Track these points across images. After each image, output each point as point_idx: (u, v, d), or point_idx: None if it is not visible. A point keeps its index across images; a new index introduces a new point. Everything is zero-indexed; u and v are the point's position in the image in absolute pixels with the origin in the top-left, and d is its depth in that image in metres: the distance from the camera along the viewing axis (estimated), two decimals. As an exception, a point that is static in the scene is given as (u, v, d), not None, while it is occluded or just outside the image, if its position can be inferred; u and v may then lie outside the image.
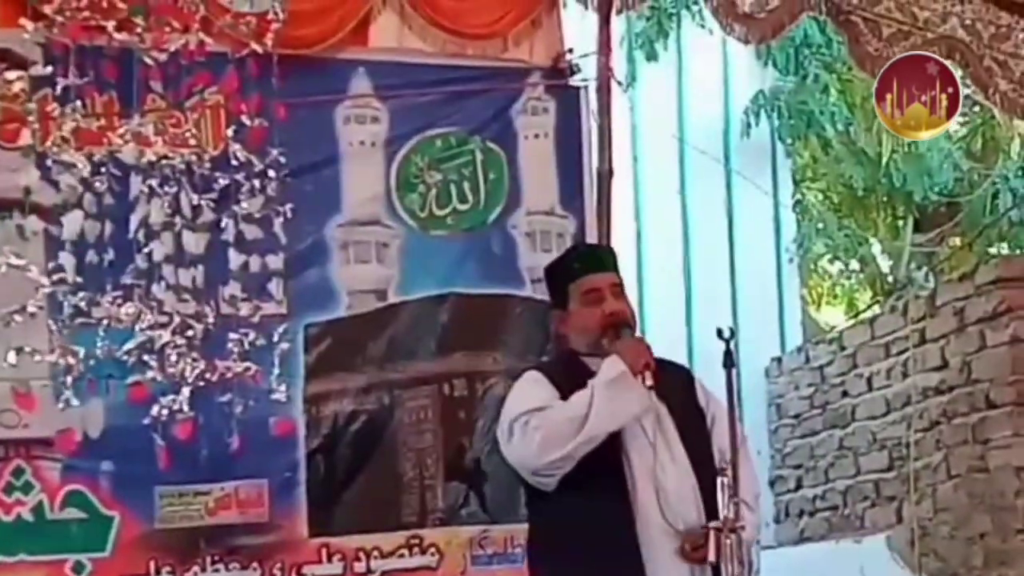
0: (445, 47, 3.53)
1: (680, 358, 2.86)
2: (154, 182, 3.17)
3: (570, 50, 3.62)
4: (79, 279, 3.11)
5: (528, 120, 3.56)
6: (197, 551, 3.16)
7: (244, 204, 3.23)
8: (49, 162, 3.12)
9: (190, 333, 3.15)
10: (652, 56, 5.23)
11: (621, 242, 3.64)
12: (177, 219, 3.19)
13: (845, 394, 4.85)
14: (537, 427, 2.34)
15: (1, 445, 3.09)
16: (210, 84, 3.22)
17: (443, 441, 3.39)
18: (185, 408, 3.12)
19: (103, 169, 3.14)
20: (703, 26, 5.04)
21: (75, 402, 3.08)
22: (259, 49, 3.22)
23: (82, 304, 3.11)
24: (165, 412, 3.11)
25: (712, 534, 2.29)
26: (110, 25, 3.14)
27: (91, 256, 3.13)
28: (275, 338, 3.23)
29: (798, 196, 5.69)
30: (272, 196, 3.25)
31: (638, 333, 2.52)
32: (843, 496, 4.79)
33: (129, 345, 3.12)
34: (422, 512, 3.35)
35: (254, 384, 3.19)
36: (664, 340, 3.26)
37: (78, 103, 3.12)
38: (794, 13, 3.85)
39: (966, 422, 4.19)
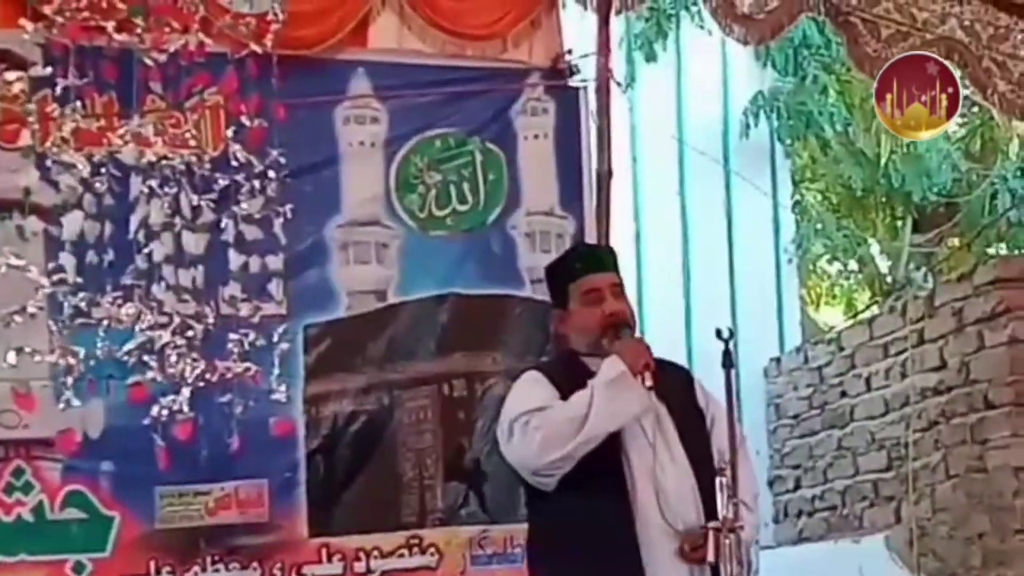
0: (444, 48, 3.53)
1: (679, 358, 2.87)
2: (154, 183, 3.18)
3: (569, 51, 3.63)
4: (79, 279, 3.12)
5: (527, 121, 3.57)
6: (197, 551, 3.16)
7: (244, 205, 3.23)
8: (49, 163, 3.13)
9: (190, 333, 3.15)
10: (651, 57, 5.24)
11: (620, 242, 3.65)
12: (177, 220, 3.19)
13: (844, 394, 4.86)
14: (537, 427, 2.34)
15: (1, 445, 3.10)
16: (210, 85, 3.22)
17: (443, 441, 3.39)
18: (185, 408, 3.13)
19: (103, 170, 3.14)
20: (702, 27, 5.05)
21: (75, 402, 3.08)
22: (259, 50, 3.23)
23: (82, 304, 3.11)
24: (165, 412, 3.12)
25: (711, 534, 2.30)
26: (110, 26, 3.14)
27: (91, 257, 3.13)
28: (275, 338, 3.24)
29: (797, 197, 5.70)
30: (272, 197, 3.26)
31: (637, 333, 2.52)
32: (842, 496, 4.80)
33: (129, 345, 3.12)
34: (422, 512, 3.36)
35: (254, 384, 3.20)
36: (663, 340, 3.27)
37: (78, 104, 3.13)
38: (793, 14, 3.86)
39: (964, 422, 4.19)
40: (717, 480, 2.34)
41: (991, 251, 5.79)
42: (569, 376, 2.42)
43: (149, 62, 3.16)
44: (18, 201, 3.13)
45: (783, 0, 3.80)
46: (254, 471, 3.22)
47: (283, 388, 3.23)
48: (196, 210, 3.20)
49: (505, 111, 3.55)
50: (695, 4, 4.91)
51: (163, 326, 3.14)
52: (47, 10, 3.12)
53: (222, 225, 3.22)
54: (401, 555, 3.32)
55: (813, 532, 4.92)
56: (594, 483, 2.33)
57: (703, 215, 5.38)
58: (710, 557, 2.29)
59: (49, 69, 3.11)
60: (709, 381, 2.52)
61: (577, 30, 3.76)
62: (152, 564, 3.13)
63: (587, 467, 2.33)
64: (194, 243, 3.19)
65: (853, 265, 6.15)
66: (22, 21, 3.15)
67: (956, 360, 4.25)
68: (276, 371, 3.23)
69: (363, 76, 3.45)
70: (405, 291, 3.42)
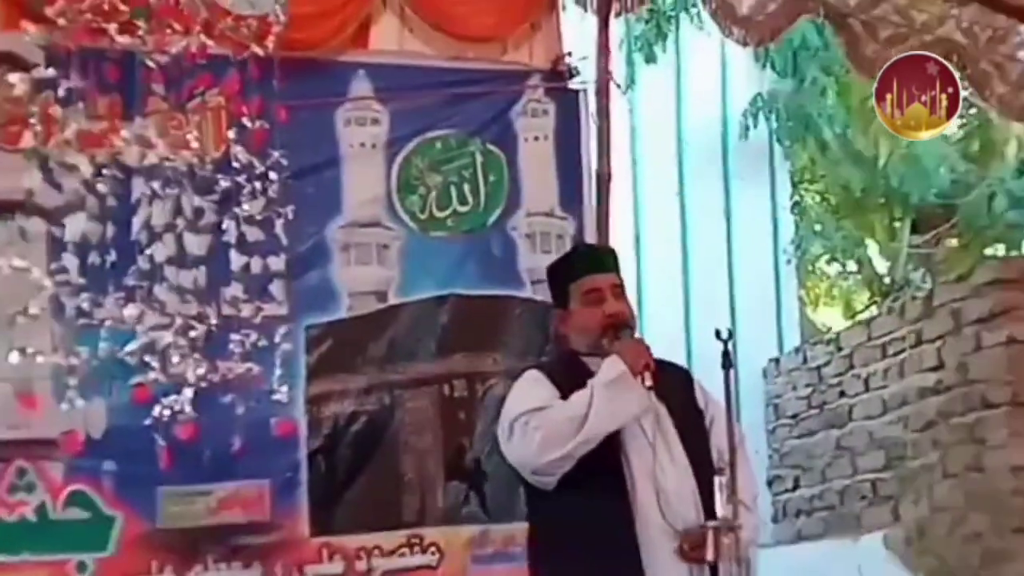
0: (445, 50, 3.54)
1: (679, 359, 2.88)
2: (156, 184, 3.19)
3: (569, 53, 3.64)
4: (82, 280, 3.13)
5: (528, 122, 3.58)
6: (199, 551, 3.17)
7: (246, 206, 3.24)
8: (51, 164, 3.13)
9: (192, 334, 3.16)
10: (651, 59, 5.25)
11: (620, 243, 3.66)
12: (179, 221, 3.20)
13: (842, 394, 4.87)
14: (537, 427, 2.35)
15: (4, 446, 3.10)
16: (212, 86, 3.23)
17: (443, 441, 3.40)
18: (187, 409, 3.13)
19: (105, 171, 3.15)
20: (701, 28, 5.06)
21: (78, 403, 3.09)
22: (260, 52, 3.23)
23: (85, 305, 3.12)
24: (167, 413, 3.13)
25: (710, 533, 2.31)
26: (112, 28, 3.15)
27: (93, 258, 3.14)
28: (276, 339, 3.25)
29: (796, 198, 5.71)
30: (273, 198, 3.26)
31: (637, 334, 2.53)
32: (840, 495, 4.81)
33: (131, 346, 3.13)
34: (422, 511, 3.37)
35: (256, 385, 3.21)
36: (663, 341, 3.27)
37: (80, 105, 3.13)
38: (792, 16, 3.87)
39: (962, 422, 4.21)
40: (716, 480, 2.35)
41: (989, 252, 5.81)
42: (569, 376, 2.43)
43: (151, 64, 3.17)
44: (21, 202, 3.14)
45: (782, 2, 3.81)
46: (256, 471, 3.23)
47: (285, 388, 3.24)
48: (198, 211, 3.22)
49: (505, 113, 3.56)
50: (695, 6, 4.92)
51: (165, 327, 3.15)
52: (49, 12, 3.13)
53: (224, 226, 3.23)
54: (402, 554, 3.33)
55: (812, 531, 4.94)
56: (594, 483, 2.34)
57: (702, 216, 5.39)
58: (709, 556, 2.31)
59: (51, 71, 3.12)
60: (708, 381, 2.53)
61: (577, 32, 3.77)
62: (154, 564, 3.14)
63: (587, 467, 2.34)
64: (196, 244, 3.20)
65: (852, 266, 6.16)
66: (24, 23, 3.16)
67: (954, 360, 4.27)
68: (278, 371, 3.24)
69: (364, 78, 3.46)
70: (406, 292, 3.43)
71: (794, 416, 5.16)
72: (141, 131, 3.18)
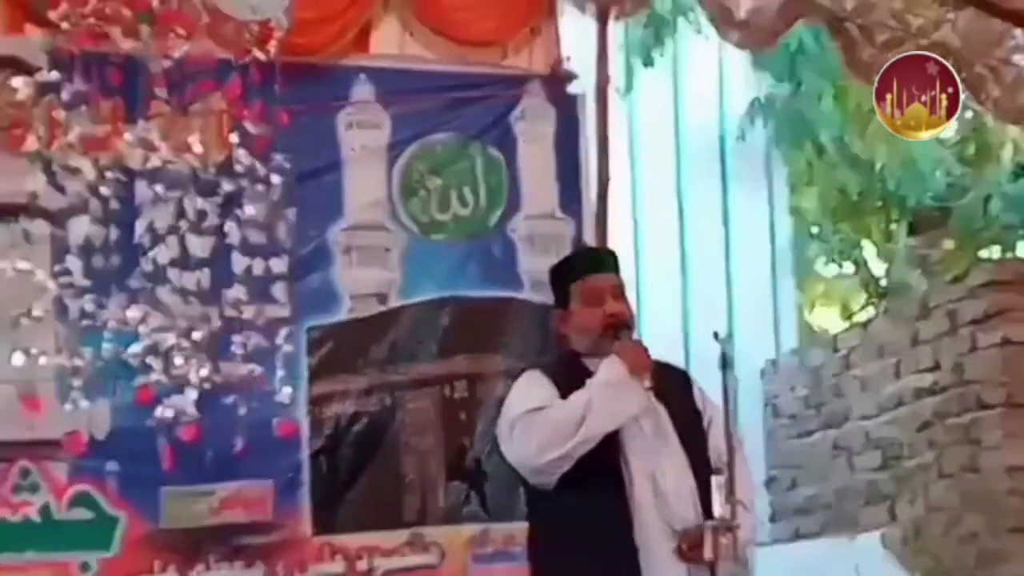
0: (446, 54, 3.57)
1: (677, 360, 2.90)
2: (159, 187, 3.21)
3: (568, 57, 3.67)
4: (85, 282, 3.15)
5: (527, 126, 3.61)
6: (202, 550, 3.20)
7: (248, 209, 3.27)
8: (55, 167, 3.16)
9: (195, 336, 3.18)
10: (649, 63, 5.26)
11: (619, 245, 3.67)
12: (182, 223, 3.23)
13: (839, 395, 4.89)
14: (536, 427, 2.37)
15: (8, 446, 3.13)
16: (214, 91, 3.26)
17: (444, 442, 3.43)
18: (190, 410, 3.16)
19: (108, 174, 3.18)
20: (699, 32, 5.08)
21: (82, 404, 3.12)
22: (262, 56, 3.26)
23: (88, 307, 3.15)
24: (170, 414, 3.15)
25: (709, 532, 2.32)
26: (115, 32, 3.17)
27: (97, 260, 3.17)
28: (279, 341, 3.28)
29: (793, 201, 5.73)
30: (275, 201, 3.29)
31: (636, 335, 2.56)
32: (837, 495, 4.82)
33: (135, 348, 3.16)
34: (423, 511, 3.39)
35: (258, 386, 3.23)
36: (661, 342, 3.29)
37: (84, 109, 3.16)
38: (789, 21, 3.89)
39: (958, 422, 4.22)
40: (713, 479, 2.37)
41: (984, 254, 5.83)
42: (569, 376, 2.44)
43: (154, 68, 3.20)
44: (24, 205, 3.17)
45: (779, 7, 3.83)
46: (258, 471, 3.25)
47: (287, 389, 3.27)
48: (201, 214, 3.24)
49: (505, 116, 3.59)
50: (693, 10, 4.94)
51: (168, 328, 3.18)
52: (53, 16, 3.15)
53: (226, 229, 3.26)
54: (403, 554, 3.35)
55: (809, 531, 4.95)
56: (593, 482, 2.35)
57: (700, 218, 5.40)
58: (707, 555, 2.32)
59: (55, 74, 3.15)
60: (707, 382, 2.55)
61: (576, 37, 3.79)
62: (157, 563, 3.17)
63: (586, 467, 2.35)
64: (199, 246, 3.23)
65: (848, 268, 6.18)
66: (28, 27, 3.19)
67: (950, 361, 4.28)
68: (280, 373, 3.27)
69: (365, 82, 3.49)
70: (407, 294, 3.46)
71: (792, 416, 5.17)
72: (144, 134, 3.21)
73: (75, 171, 3.17)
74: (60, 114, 3.16)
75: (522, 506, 2.59)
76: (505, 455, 2.48)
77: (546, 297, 3.08)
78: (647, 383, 2.39)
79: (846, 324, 5.70)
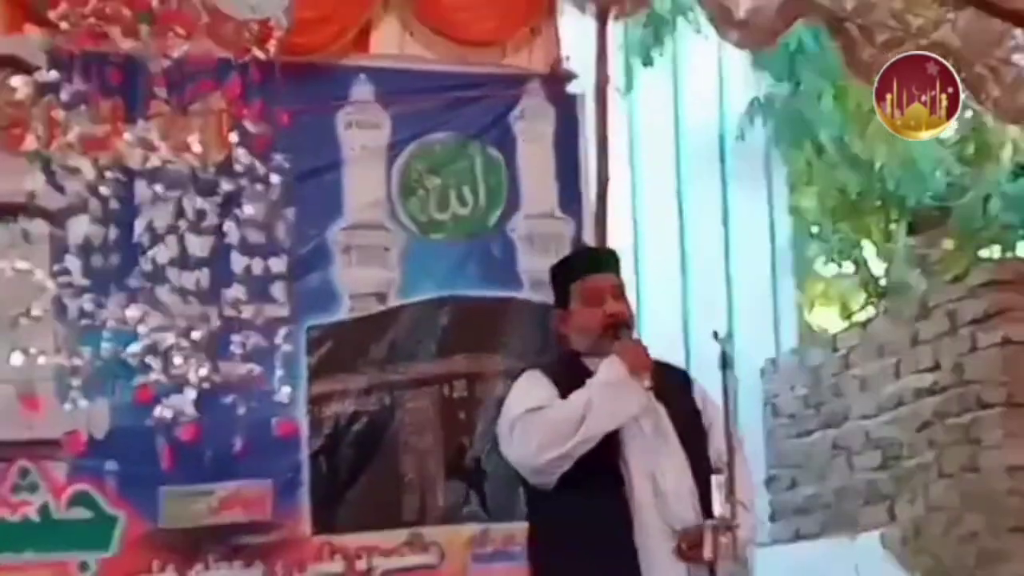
0: (446, 54, 3.57)
1: (677, 360, 2.90)
2: (158, 187, 3.21)
3: (568, 57, 3.66)
4: (84, 282, 3.15)
5: (526, 126, 3.61)
6: (201, 550, 3.19)
7: (247, 208, 3.27)
8: (54, 167, 3.16)
9: (194, 335, 3.18)
10: (649, 62, 5.26)
11: (618, 245, 3.67)
12: (181, 223, 3.23)
13: (839, 395, 4.88)
14: (536, 426, 2.37)
15: (7, 446, 3.13)
16: (214, 90, 3.26)
17: (443, 441, 3.43)
18: (189, 409, 3.16)
19: (108, 174, 3.17)
20: (699, 32, 5.08)
21: (81, 404, 3.11)
22: (262, 56, 3.26)
23: (87, 307, 3.15)
24: (170, 413, 3.15)
25: (708, 532, 2.33)
26: (115, 31, 3.17)
27: (96, 259, 3.17)
28: (278, 340, 3.27)
29: (793, 200, 5.74)
30: (275, 200, 3.29)
31: (635, 335, 2.56)
32: (837, 495, 4.82)
33: (134, 347, 3.16)
34: (423, 511, 3.39)
35: (257, 386, 3.23)
36: (661, 342, 3.29)
37: (83, 108, 3.16)
38: (789, 20, 3.89)
39: (958, 422, 4.22)
40: (713, 479, 2.37)
41: (984, 254, 5.83)
42: (569, 376, 2.44)
43: (154, 68, 3.20)
44: (23, 205, 3.16)
45: (779, 7, 3.83)
46: (257, 471, 3.25)
47: (286, 389, 3.27)
48: (200, 214, 3.24)
49: (504, 116, 3.59)
50: (692, 10, 4.94)
51: (167, 328, 3.17)
52: (52, 16, 3.15)
53: (226, 228, 3.26)
54: (403, 553, 3.35)
55: (809, 530, 4.95)
56: (593, 482, 2.36)
57: (700, 218, 5.40)
58: (707, 555, 2.32)
59: (54, 74, 3.14)
60: (706, 382, 2.55)
61: (575, 36, 3.79)
62: (156, 563, 3.16)
63: (586, 466, 2.35)
64: (198, 246, 3.23)
65: (848, 268, 6.18)
66: (27, 27, 3.19)
67: (949, 361, 4.28)
68: (279, 372, 3.26)
69: (365, 82, 3.49)
70: (406, 294, 3.46)
71: (791, 416, 5.17)
72: (144, 134, 3.20)
73: (74, 171, 3.17)
74: (59, 114, 3.15)
75: (522, 506, 2.59)
76: (505, 455, 2.48)
77: (545, 297, 3.08)
78: (647, 383, 2.39)
79: (846, 324, 5.70)
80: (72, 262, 3.16)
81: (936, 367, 4.34)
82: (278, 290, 3.30)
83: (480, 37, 3.59)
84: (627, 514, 2.37)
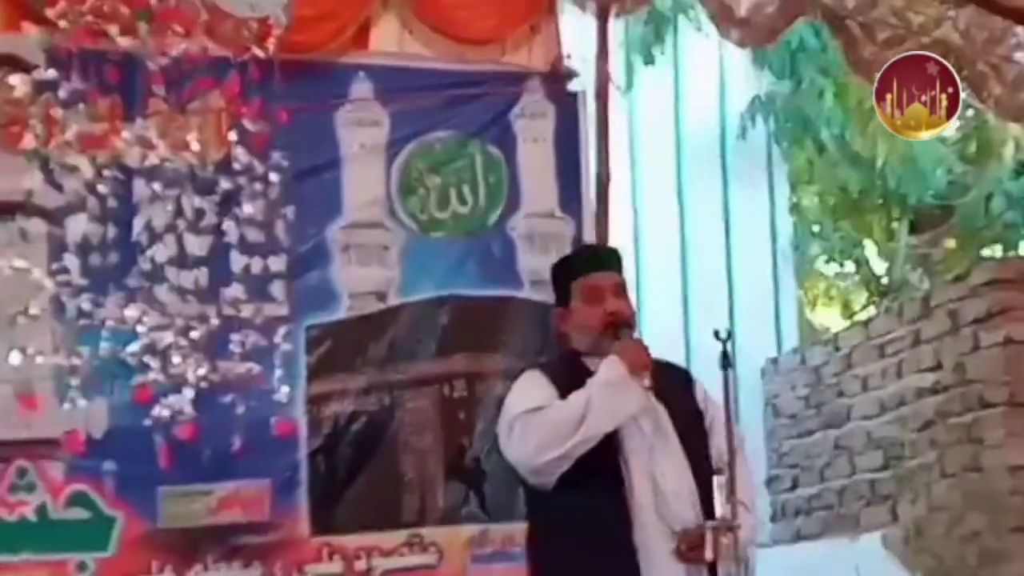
0: (445, 52, 3.56)
1: (677, 359, 2.89)
2: (157, 185, 3.20)
3: (568, 55, 3.65)
4: (83, 281, 3.14)
5: (527, 124, 3.59)
6: (199, 550, 3.18)
7: (246, 207, 3.25)
8: (52, 165, 3.14)
9: (193, 334, 3.17)
10: (649, 60, 5.26)
11: (619, 244, 3.66)
12: (180, 222, 3.21)
13: (840, 394, 4.88)
14: (535, 427, 2.36)
15: (4, 446, 3.11)
16: (212, 88, 3.24)
17: (443, 441, 3.41)
18: (188, 409, 3.15)
19: (106, 172, 3.16)
20: (700, 30, 5.08)
21: (79, 403, 3.10)
22: (261, 54, 3.24)
23: (86, 306, 3.14)
24: (168, 413, 3.14)
25: (709, 533, 2.32)
26: (113, 30, 3.16)
27: (95, 258, 3.15)
28: (277, 339, 3.26)
29: (794, 199, 5.73)
30: (274, 199, 3.28)
31: (636, 334, 2.54)
32: (838, 495, 4.81)
33: (132, 347, 3.14)
34: (422, 511, 3.37)
35: (256, 385, 3.22)
36: (662, 341, 3.28)
37: (81, 107, 3.14)
38: (790, 18, 3.88)
39: (960, 422, 4.21)
40: (714, 479, 2.36)
41: (986, 252, 5.82)
42: (569, 376, 2.44)
43: (152, 66, 3.18)
44: (21, 203, 3.15)
45: (780, 4, 3.82)
46: (256, 471, 3.23)
47: (285, 388, 3.25)
48: (199, 212, 3.23)
49: (504, 114, 3.58)
50: (693, 8, 4.93)
51: (166, 327, 3.16)
52: (50, 14, 3.14)
53: (224, 227, 3.24)
54: (402, 554, 3.33)
55: (810, 531, 4.94)
56: (592, 482, 2.35)
57: (701, 217, 5.40)
58: (708, 555, 2.31)
59: (53, 72, 3.13)
60: (707, 382, 2.54)
61: (576, 34, 3.78)
62: (154, 563, 3.15)
63: (586, 466, 2.35)
64: (197, 245, 3.21)
65: (850, 267, 6.18)
66: (25, 25, 3.17)
67: (951, 360, 4.27)
68: (278, 372, 3.25)
69: (364, 80, 3.47)
70: (406, 293, 3.45)
71: (792, 416, 5.17)
72: (142, 132, 3.19)
73: (73, 169, 3.16)
74: (57, 112, 3.14)
75: (521, 506, 2.59)
76: (504, 454, 2.48)
77: (545, 296, 3.07)
78: (647, 382, 2.38)
79: (847, 323, 5.69)
80: (70, 261, 3.15)
81: (938, 367, 4.34)
82: (277, 289, 3.29)
83: (480, 35, 3.58)
84: (627, 514, 2.36)
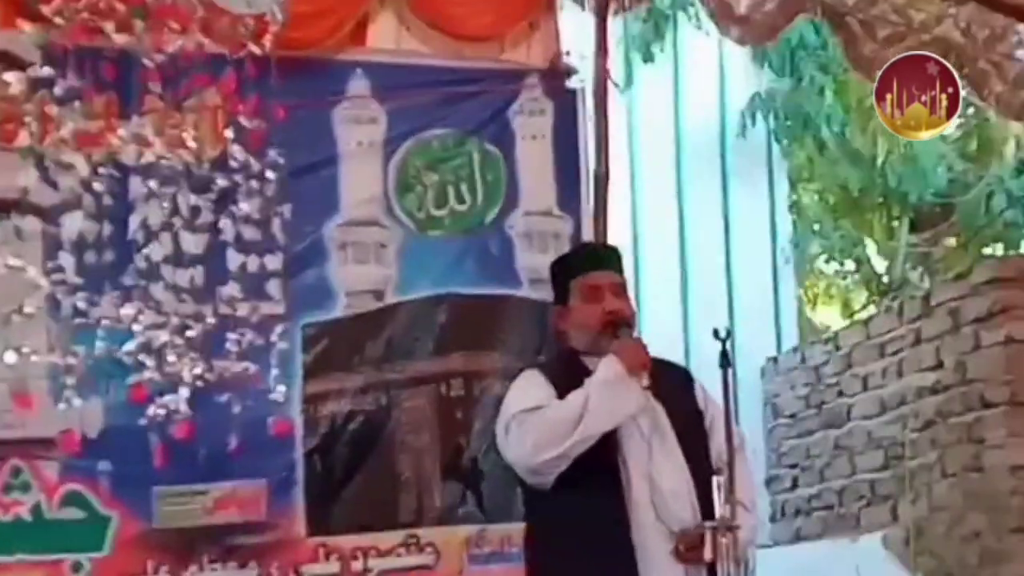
0: (443, 49, 3.54)
1: (676, 358, 2.88)
2: (153, 183, 3.18)
3: (567, 52, 3.63)
4: (78, 280, 3.12)
5: (525, 121, 3.57)
6: (195, 551, 3.17)
7: (242, 205, 3.23)
8: (48, 163, 3.12)
9: (189, 333, 3.15)
10: (649, 58, 5.25)
11: (618, 243, 3.65)
12: (176, 220, 3.20)
13: (841, 394, 4.87)
14: (532, 426, 2.36)
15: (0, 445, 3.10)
16: (209, 85, 3.22)
17: (440, 441, 3.40)
18: (183, 408, 3.13)
19: (102, 170, 3.14)
20: (699, 27, 5.06)
21: (74, 402, 3.08)
22: (257, 50, 3.22)
23: (81, 304, 3.12)
24: (163, 412, 3.12)
25: (708, 533, 2.31)
26: (109, 27, 3.14)
27: (90, 257, 3.14)
28: (273, 338, 3.24)
29: (794, 197, 5.72)
30: (270, 197, 3.26)
31: (635, 333, 2.53)
32: (839, 495, 4.81)
33: (128, 346, 3.12)
34: (419, 511, 3.36)
35: (252, 384, 3.20)
36: (661, 340, 3.27)
37: (77, 104, 3.12)
38: (790, 15, 3.87)
39: (961, 421, 4.20)
40: (714, 480, 2.34)
41: (987, 251, 5.81)
42: (568, 375, 2.43)
43: (148, 63, 3.16)
44: (16, 201, 3.14)
45: (780, 1, 3.81)
46: (252, 470, 3.22)
47: (281, 388, 3.23)
48: (195, 210, 3.21)
49: (503, 112, 3.56)
50: (692, 5, 4.92)
51: (162, 326, 3.14)
52: (46, 11, 3.12)
53: (221, 225, 3.23)
54: (399, 554, 3.32)
55: (810, 531, 4.93)
56: (591, 482, 2.34)
57: (700, 215, 5.39)
58: (707, 556, 2.30)
59: (48, 69, 3.11)
60: (706, 381, 2.53)
61: (575, 31, 3.76)
62: (150, 563, 3.14)
63: (584, 466, 2.34)
64: (193, 243, 3.20)
65: (850, 265, 6.17)
66: (20, 22, 3.15)
67: (952, 360, 4.26)
68: (274, 371, 3.23)
69: (361, 77, 3.46)
70: (403, 291, 3.43)
71: (792, 416, 5.16)
72: (138, 130, 3.17)
73: (68, 167, 3.14)
74: (53, 109, 3.12)
75: (519, 507, 2.58)
76: (502, 454, 2.47)
77: (544, 294, 3.06)
78: (645, 382, 2.37)
79: (847, 322, 5.68)
80: (66, 259, 3.13)
81: (939, 366, 4.33)
82: (273, 287, 3.27)
83: (477, 32, 3.56)
84: (625, 514, 2.35)
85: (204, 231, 3.21)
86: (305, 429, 3.30)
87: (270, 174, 3.25)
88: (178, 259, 3.19)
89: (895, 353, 4.57)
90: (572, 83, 3.63)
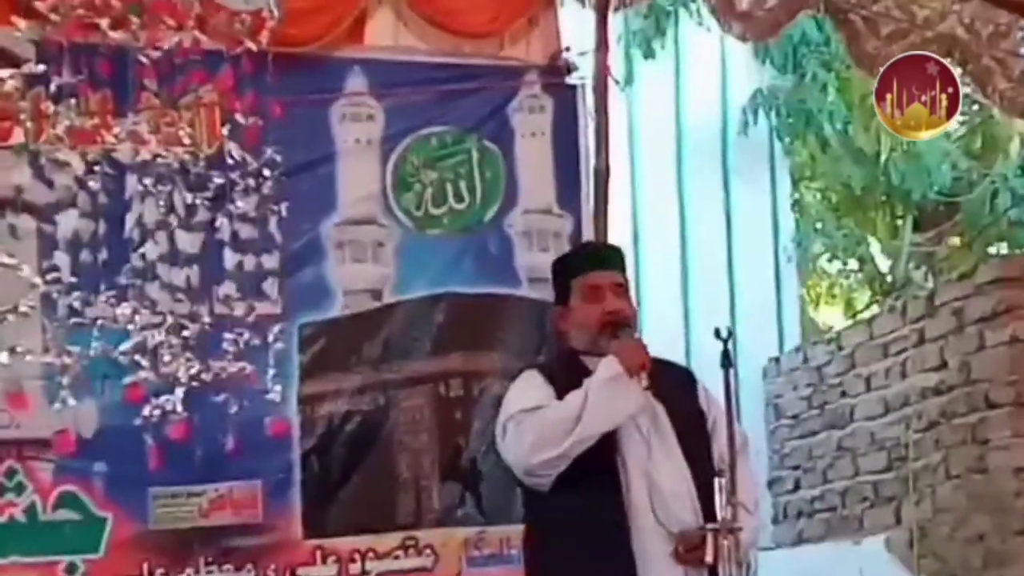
0: (441, 45, 3.51)
1: (678, 358, 2.85)
2: (149, 181, 3.16)
3: (567, 48, 3.61)
4: (73, 279, 3.10)
5: (525, 118, 3.55)
6: (191, 552, 3.14)
7: (239, 203, 3.22)
8: (43, 161, 3.11)
9: (185, 333, 3.13)
10: (649, 54, 5.23)
11: (619, 241, 3.62)
12: (172, 218, 3.18)
13: (843, 394, 4.84)
14: (531, 426, 2.34)
15: (-6, 445, 3.09)
16: (205, 82, 3.21)
17: (439, 441, 3.37)
18: (179, 408, 3.11)
19: (97, 168, 3.13)
20: (700, 23, 5.03)
21: (69, 402, 3.06)
22: (254, 47, 3.21)
23: (76, 304, 3.10)
24: (159, 412, 3.10)
25: (709, 535, 2.29)
26: (104, 23, 3.12)
27: (85, 255, 3.12)
28: (270, 338, 3.22)
29: (796, 195, 5.69)
30: (267, 195, 3.24)
31: (636, 333, 2.50)
32: (842, 497, 4.78)
33: (124, 345, 3.10)
34: (418, 513, 3.34)
35: (249, 384, 3.18)
36: (662, 340, 3.24)
37: (72, 101, 3.11)
38: (792, 11, 3.84)
39: (965, 422, 4.18)
40: (716, 481, 2.32)
41: (992, 250, 5.79)
42: (567, 375, 2.41)
43: (144, 60, 3.15)
44: (11, 199, 3.12)
45: (782, -2, 3.78)
46: (248, 471, 3.19)
47: (278, 388, 3.21)
48: (191, 209, 3.19)
49: (502, 109, 3.53)
50: (694, 1, 4.89)
51: (157, 325, 3.12)
52: (41, 7, 3.10)
53: (217, 224, 3.21)
54: (397, 556, 3.30)
55: (813, 533, 4.91)
56: (590, 482, 2.33)
57: (702, 213, 5.37)
58: (708, 558, 2.28)
59: (43, 67, 3.10)
60: (708, 381, 2.51)
61: (575, 27, 3.74)
62: (145, 565, 3.11)
63: (583, 466, 2.32)
64: (189, 242, 3.18)
65: (853, 264, 6.15)
66: (15, 18, 3.13)
67: (956, 360, 4.24)
68: (271, 371, 3.21)
69: (359, 73, 3.43)
70: (401, 290, 3.40)
71: (795, 416, 5.13)
72: (133, 127, 3.15)
73: (63, 165, 3.12)
74: (48, 107, 3.11)
75: (518, 508, 2.56)
76: (501, 454, 2.46)
77: (543, 294, 3.03)
78: (645, 382, 2.35)
79: (850, 322, 5.65)
80: (60, 258, 3.11)
81: (943, 366, 4.31)
82: (270, 286, 3.25)
83: (476, 28, 3.54)
84: (624, 515, 2.34)
85: (200, 230, 3.19)
86: (302, 430, 3.27)
87: (267, 172, 3.24)
88: (174, 258, 3.17)
89: (898, 353, 4.55)
90: (572, 80, 3.60)
